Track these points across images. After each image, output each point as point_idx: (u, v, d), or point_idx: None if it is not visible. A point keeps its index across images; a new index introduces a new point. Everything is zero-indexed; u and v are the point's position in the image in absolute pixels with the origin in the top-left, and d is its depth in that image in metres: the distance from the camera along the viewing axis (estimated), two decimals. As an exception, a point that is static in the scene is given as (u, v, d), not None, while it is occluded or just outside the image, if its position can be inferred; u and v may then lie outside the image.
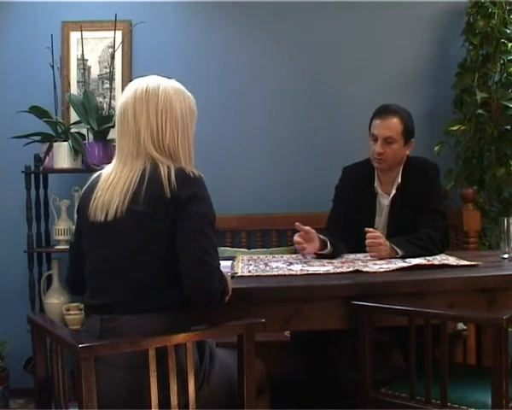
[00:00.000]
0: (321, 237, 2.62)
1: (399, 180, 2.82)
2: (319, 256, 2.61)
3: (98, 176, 1.97)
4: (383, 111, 2.79)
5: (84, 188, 1.99)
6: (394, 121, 2.75)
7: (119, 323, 1.83)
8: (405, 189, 2.80)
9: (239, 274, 2.29)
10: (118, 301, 1.84)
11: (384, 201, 2.85)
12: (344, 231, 2.77)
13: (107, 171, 1.96)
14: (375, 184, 2.86)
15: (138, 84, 1.96)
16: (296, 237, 2.56)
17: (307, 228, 2.56)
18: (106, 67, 3.64)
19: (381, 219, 2.84)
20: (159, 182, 1.84)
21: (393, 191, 2.82)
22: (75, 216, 2.09)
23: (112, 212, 1.86)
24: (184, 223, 1.83)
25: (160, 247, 1.85)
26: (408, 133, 2.77)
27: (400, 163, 2.82)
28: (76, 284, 2.06)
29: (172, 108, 1.92)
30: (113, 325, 1.83)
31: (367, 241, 2.54)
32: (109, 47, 3.62)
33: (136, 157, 1.90)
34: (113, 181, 1.90)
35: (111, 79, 3.55)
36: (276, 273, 2.31)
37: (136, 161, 1.90)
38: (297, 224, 2.56)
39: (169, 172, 1.85)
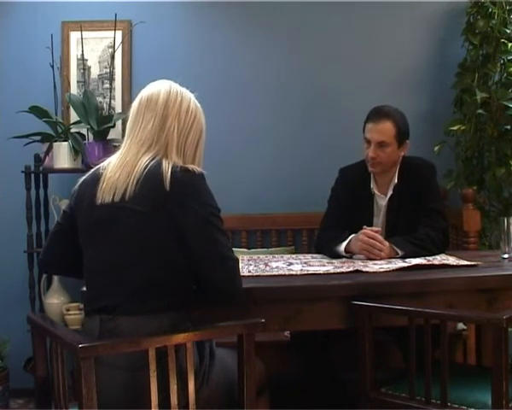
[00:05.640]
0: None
1: (396, 181, 2.81)
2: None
3: (99, 168, 1.96)
4: (376, 114, 2.75)
5: (83, 179, 1.98)
6: (387, 125, 2.72)
7: (118, 324, 1.83)
8: (402, 189, 2.80)
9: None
10: (117, 303, 1.84)
11: (381, 202, 2.84)
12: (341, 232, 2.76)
13: (114, 157, 1.95)
14: (372, 186, 2.85)
15: (173, 84, 1.99)
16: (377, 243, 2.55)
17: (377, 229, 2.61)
18: (106, 67, 3.64)
19: (379, 219, 2.84)
20: (159, 180, 1.83)
21: (390, 192, 2.81)
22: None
23: (119, 193, 1.85)
24: (195, 223, 1.84)
25: (159, 247, 1.85)
26: (402, 136, 2.75)
27: (395, 165, 2.81)
28: (48, 262, 2.09)
29: (200, 118, 1.99)
30: (113, 326, 1.83)
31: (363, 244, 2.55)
32: (109, 47, 3.62)
33: (155, 143, 1.90)
34: (122, 165, 1.89)
35: (111, 78, 3.56)
36: (276, 273, 2.31)
37: (147, 152, 1.89)
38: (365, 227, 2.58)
39: (171, 171, 1.84)
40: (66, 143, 3.34)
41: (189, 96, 1.98)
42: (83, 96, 3.45)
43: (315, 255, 2.75)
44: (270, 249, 3.54)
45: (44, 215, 3.51)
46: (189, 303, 1.92)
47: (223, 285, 1.89)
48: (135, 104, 1.98)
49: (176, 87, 1.98)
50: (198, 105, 2.00)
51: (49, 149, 3.39)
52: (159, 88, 1.96)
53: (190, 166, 1.88)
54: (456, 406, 2.01)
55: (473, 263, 2.39)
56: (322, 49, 3.71)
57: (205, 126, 2.01)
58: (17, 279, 3.57)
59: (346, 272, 2.29)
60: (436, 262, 2.42)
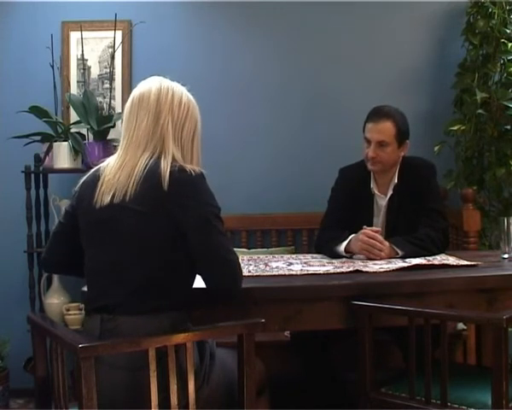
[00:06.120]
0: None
1: (396, 181, 2.81)
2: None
3: (98, 169, 1.96)
4: (376, 114, 2.76)
5: (84, 179, 1.98)
6: (387, 125, 2.72)
7: (119, 323, 1.83)
8: (402, 189, 2.80)
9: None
10: (118, 302, 1.84)
11: (381, 202, 2.84)
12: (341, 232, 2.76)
13: (113, 159, 1.95)
14: (372, 186, 2.85)
15: (163, 80, 1.98)
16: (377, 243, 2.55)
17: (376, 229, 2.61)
18: (106, 67, 3.64)
19: (379, 219, 2.84)
20: (157, 180, 1.83)
21: (390, 192, 2.81)
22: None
23: (119, 194, 1.85)
24: (195, 223, 1.84)
25: (159, 247, 1.85)
26: (402, 136, 2.75)
27: (395, 165, 2.81)
28: (50, 261, 2.10)
29: (193, 110, 1.98)
30: (113, 326, 1.83)
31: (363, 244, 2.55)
32: (109, 47, 3.62)
33: (150, 140, 1.89)
34: (121, 166, 1.89)
35: (111, 78, 3.55)
36: (276, 273, 2.31)
37: (145, 151, 1.89)
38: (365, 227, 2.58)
39: (170, 171, 1.84)
40: (66, 143, 3.34)
41: (181, 90, 1.97)
42: (83, 96, 3.45)
43: (315, 255, 2.75)
44: (270, 249, 3.54)
45: (44, 215, 3.51)
46: (189, 303, 1.92)
47: (223, 285, 1.89)
48: (127, 105, 1.98)
49: (166, 83, 1.97)
50: (190, 97, 1.99)
51: (49, 149, 3.39)
52: (149, 85, 1.96)
53: (189, 166, 1.88)
54: (456, 406, 2.01)
55: (473, 263, 2.39)
56: (322, 49, 3.71)
57: (199, 118, 1.99)
58: (17, 279, 3.57)
59: (346, 272, 2.29)
60: (436, 262, 2.42)
